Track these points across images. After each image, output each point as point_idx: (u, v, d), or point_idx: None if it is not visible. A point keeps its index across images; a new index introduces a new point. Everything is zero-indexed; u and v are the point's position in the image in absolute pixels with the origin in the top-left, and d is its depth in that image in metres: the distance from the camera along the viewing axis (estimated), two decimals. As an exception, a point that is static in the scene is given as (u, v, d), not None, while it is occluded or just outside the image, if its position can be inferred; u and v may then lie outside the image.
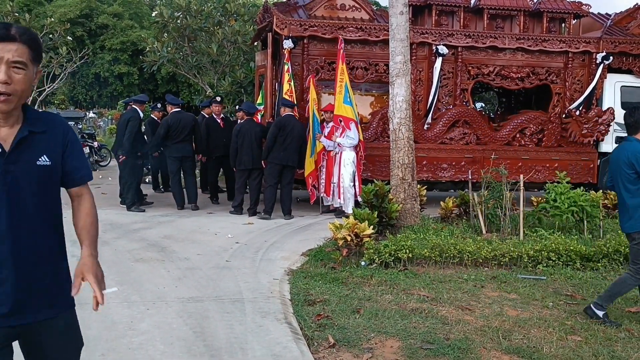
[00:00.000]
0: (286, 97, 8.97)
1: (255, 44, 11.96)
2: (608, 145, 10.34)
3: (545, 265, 6.10)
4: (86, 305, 4.50)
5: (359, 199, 8.27)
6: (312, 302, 4.83)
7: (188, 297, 4.85)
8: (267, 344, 3.91)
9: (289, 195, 8.79)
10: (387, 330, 4.22)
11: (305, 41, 9.27)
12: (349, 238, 6.02)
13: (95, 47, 40.72)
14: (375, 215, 6.77)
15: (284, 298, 4.93)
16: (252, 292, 5.05)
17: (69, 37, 13.51)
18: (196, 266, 5.84)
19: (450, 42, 9.70)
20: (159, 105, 10.91)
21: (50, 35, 12.91)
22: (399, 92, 7.65)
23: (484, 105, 16.24)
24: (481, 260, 6.12)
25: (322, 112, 9.13)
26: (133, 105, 9.42)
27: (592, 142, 10.14)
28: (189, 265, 5.86)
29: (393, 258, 5.93)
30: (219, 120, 10.10)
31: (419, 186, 8.17)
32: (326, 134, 8.89)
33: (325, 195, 9.10)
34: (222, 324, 4.25)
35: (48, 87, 12.90)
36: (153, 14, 14.53)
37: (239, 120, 9.84)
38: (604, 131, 10.05)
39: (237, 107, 10.85)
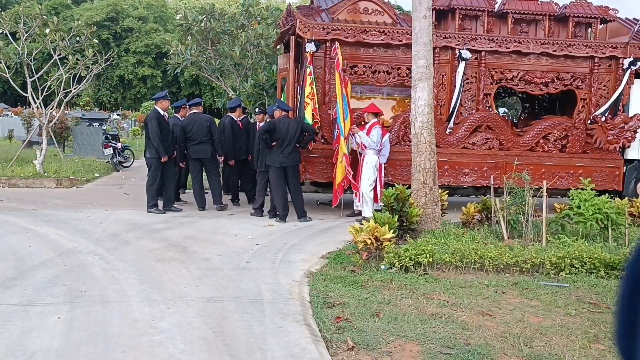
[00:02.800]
0: (308, 99, 8.99)
1: (278, 47, 12.02)
2: (635, 152, 10.18)
3: (568, 272, 6.00)
4: (107, 304, 4.59)
5: (379, 204, 8.27)
6: (332, 304, 4.83)
7: (208, 297, 4.88)
8: (286, 345, 3.91)
9: (299, 196, 8.73)
10: (407, 334, 4.20)
11: (327, 44, 9.29)
12: (369, 241, 6.01)
13: (120, 49, 41.39)
14: (396, 220, 6.74)
15: (304, 300, 4.94)
16: (272, 293, 5.07)
17: (94, 40, 13.63)
18: (216, 266, 5.88)
19: (474, 46, 9.63)
20: (256, 110, 10.98)
21: (77, 38, 13.12)
22: (421, 95, 7.62)
23: (506, 110, 16.08)
24: (502, 266, 6.06)
25: (365, 113, 9.08)
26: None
27: (617, 149, 9.97)
28: (209, 266, 5.90)
29: (413, 262, 5.90)
30: (239, 123, 10.16)
31: (440, 191, 8.12)
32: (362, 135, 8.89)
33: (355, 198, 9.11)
34: (242, 324, 4.26)
35: (74, 89, 13.08)
36: (177, 17, 14.68)
37: (258, 123, 9.88)
38: (630, 138, 9.88)
39: (256, 109, 10.88)
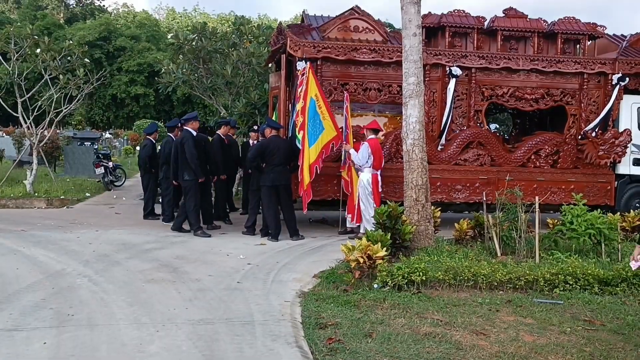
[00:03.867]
0: (300, 117, 8.97)
1: (270, 65, 12.05)
2: (625, 167, 10.21)
3: (562, 289, 5.96)
4: (95, 327, 4.50)
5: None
6: (324, 325, 4.76)
7: (198, 319, 4.81)
8: (277, 368, 3.84)
9: (291, 215, 8.69)
10: (400, 355, 4.14)
11: (318, 62, 9.31)
12: (361, 260, 5.95)
13: (112, 68, 41.41)
14: (389, 237, 6.69)
15: (295, 321, 4.87)
16: (263, 314, 5.00)
17: (86, 60, 13.62)
18: (207, 287, 5.80)
19: (464, 63, 9.69)
20: (254, 127, 10.86)
21: (69, 58, 13.10)
22: (412, 113, 7.62)
23: (497, 126, 16.15)
24: (496, 284, 6.01)
25: (365, 129, 9.03)
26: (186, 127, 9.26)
27: (608, 164, 10.01)
28: (200, 287, 5.82)
29: (406, 281, 5.85)
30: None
31: (433, 207, 8.09)
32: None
33: (348, 215, 9.00)
34: (232, 347, 4.19)
35: (65, 108, 13.03)
36: (169, 36, 14.70)
37: (251, 141, 9.87)
38: (620, 153, 9.92)
39: (255, 127, 10.87)
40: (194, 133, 8.96)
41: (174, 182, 9.35)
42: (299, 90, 8.93)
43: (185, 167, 8.77)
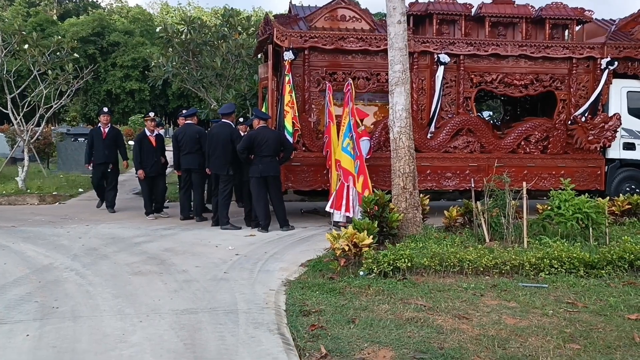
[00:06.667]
0: (288, 108, 8.98)
1: (259, 56, 12.02)
2: (615, 151, 10.22)
3: (547, 273, 5.99)
4: (79, 319, 4.52)
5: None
6: (307, 312, 4.78)
7: (182, 309, 4.82)
8: (258, 355, 3.86)
9: (281, 205, 8.68)
10: (381, 340, 4.16)
11: (306, 52, 9.29)
12: (347, 248, 5.97)
13: (107, 64, 41.29)
14: (376, 225, 6.71)
15: (279, 309, 4.88)
16: (247, 303, 5.01)
17: (75, 55, 13.56)
18: (194, 278, 5.82)
19: (452, 50, 9.66)
20: (240, 120, 10.74)
21: (58, 53, 13.05)
22: (399, 100, 7.62)
23: (491, 113, 16.13)
24: (482, 269, 6.03)
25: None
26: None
27: (598, 149, 10.01)
28: (186, 278, 5.83)
29: (392, 267, 5.86)
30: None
31: (421, 195, 8.10)
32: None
33: (334, 209, 8.76)
34: (214, 336, 4.21)
35: (55, 104, 13.00)
36: (157, 29, 14.64)
37: (240, 133, 9.82)
38: (610, 137, 9.93)
39: (240, 119, 10.83)
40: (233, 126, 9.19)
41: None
42: (286, 80, 8.92)
43: (226, 160, 8.78)
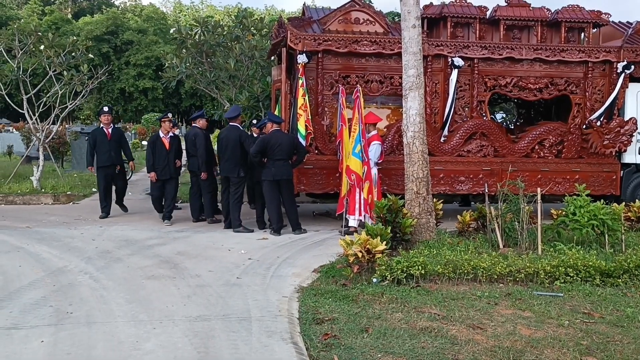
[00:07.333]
0: (301, 111, 8.97)
1: (272, 58, 12.02)
2: (631, 156, 10.10)
3: (562, 281, 5.94)
4: (93, 325, 4.54)
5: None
6: (321, 320, 4.77)
7: (196, 315, 4.84)
8: (271, 365, 3.86)
9: (293, 209, 8.70)
10: (395, 351, 4.14)
11: (319, 55, 9.27)
12: (360, 254, 5.95)
13: (120, 62, 41.56)
14: (389, 231, 6.68)
15: (292, 317, 4.88)
16: (260, 310, 5.02)
17: (90, 55, 13.65)
18: (207, 283, 5.83)
19: (466, 53, 9.59)
20: (254, 122, 10.72)
21: (73, 54, 13.14)
22: (413, 105, 7.58)
23: (504, 115, 16.01)
24: (496, 276, 5.99)
25: (366, 124, 8.93)
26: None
27: (614, 153, 9.90)
28: (199, 283, 5.85)
29: (405, 275, 5.84)
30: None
31: (435, 200, 8.06)
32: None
33: (349, 214, 8.65)
34: (227, 344, 4.21)
35: (70, 104, 13.10)
36: (171, 31, 14.69)
37: (254, 135, 9.85)
38: (626, 142, 9.81)
39: (254, 121, 10.85)
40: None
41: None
42: (299, 83, 8.90)
43: (242, 162, 8.83)
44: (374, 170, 8.80)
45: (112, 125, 10.23)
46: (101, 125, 10.14)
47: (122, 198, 10.38)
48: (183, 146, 10.00)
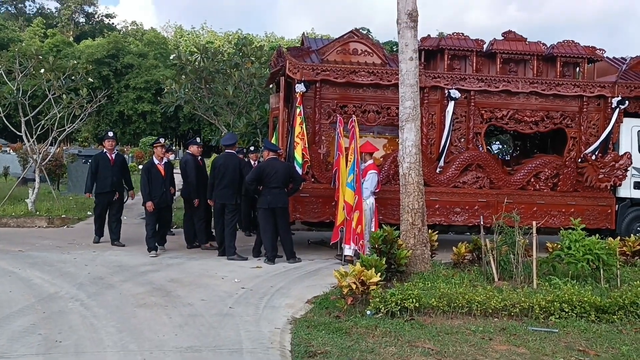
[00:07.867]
0: (298, 139, 9.00)
1: (271, 86, 12.12)
2: (626, 190, 10.15)
3: (557, 316, 5.89)
4: (82, 355, 4.48)
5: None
6: (313, 353, 4.71)
7: (187, 346, 4.77)
8: (261, 400, 3.80)
9: (288, 237, 8.68)
10: (387, 387, 4.08)
11: (317, 85, 9.35)
12: (354, 286, 5.91)
13: (120, 85, 41.83)
14: (384, 262, 6.65)
15: (284, 349, 4.82)
16: (252, 342, 4.96)
17: (90, 79, 13.74)
18: (199, 312, 5.77)
19: (463, 86, 9.70)
20: (251, 148, 10.69)
21: (73, 77, 13.23)
22: (409, 136, 7.63)
23: (500, 146, 16.11)
24: (491, 311, 5.95)
25: (362, 153, 8.93)
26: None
27: (609, 187, 9.94)
28: (191, 312, 5.79)
29: (399, 307, 5.80)
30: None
31: (430, 231, 8.05)
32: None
33: (345, 244, 8.60)
34: (218, 377, 4.15)
35: (68, 127, 13.13)
36: (171, 57, 14.83)
37: (252, 162, 9.91)
38: (621, 176, 9.85)
39: (251, 148, 10.90)
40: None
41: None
42: (297, 111, 8.97)
43: (235, 189, 8.80)
44: (371, 200, 8.79)
45: (115, 150, 10.04)
46: (104, 150, 9.88)
47: (118, 227, 9.81)
48: (175, 171, 10.01)
